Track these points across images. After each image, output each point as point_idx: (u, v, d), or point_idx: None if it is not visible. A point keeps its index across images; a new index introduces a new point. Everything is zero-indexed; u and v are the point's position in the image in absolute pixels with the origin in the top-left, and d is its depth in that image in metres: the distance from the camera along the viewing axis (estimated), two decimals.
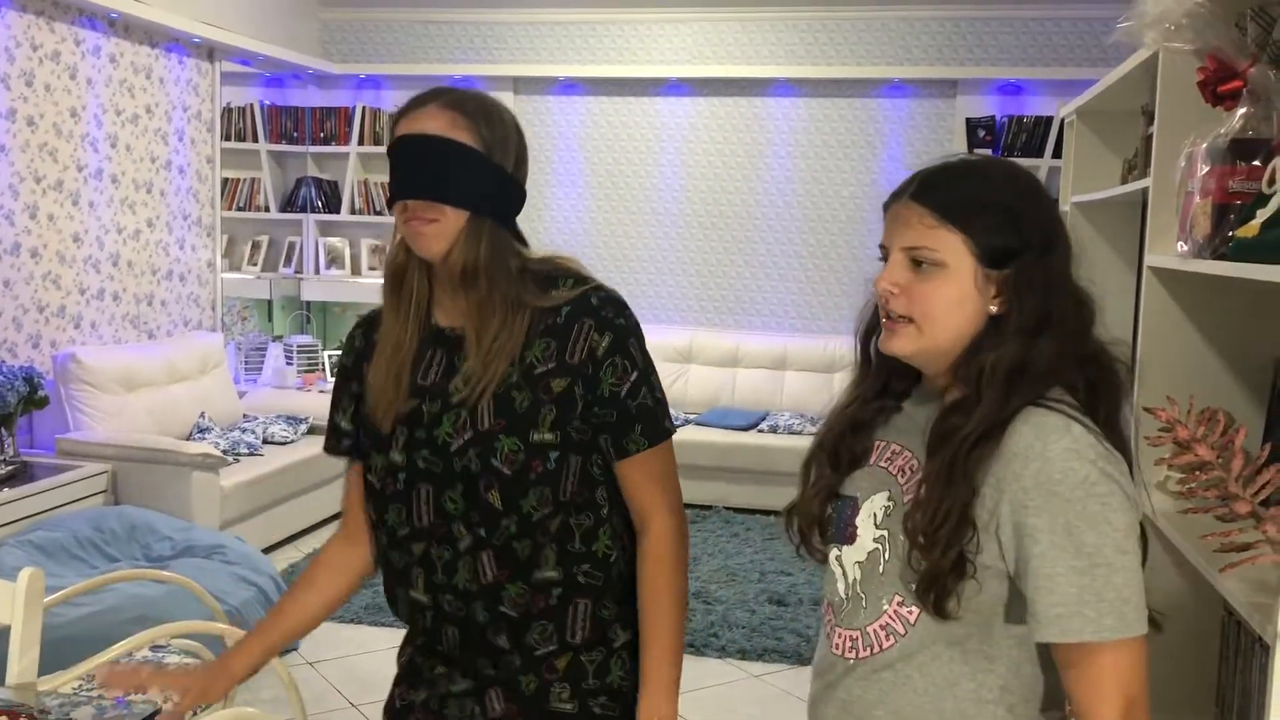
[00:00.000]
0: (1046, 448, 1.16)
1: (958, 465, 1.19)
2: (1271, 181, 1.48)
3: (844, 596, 1.33)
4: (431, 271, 1.53)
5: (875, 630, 1.28)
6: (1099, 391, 1.23)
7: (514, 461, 1.47)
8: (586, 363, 1.48)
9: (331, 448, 1.68)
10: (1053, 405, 1.19)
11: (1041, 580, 1.15)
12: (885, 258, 1.29)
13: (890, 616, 1.27)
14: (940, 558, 1.19)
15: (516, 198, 1.54)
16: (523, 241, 1.57)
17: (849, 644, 1.31)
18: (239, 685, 1.76)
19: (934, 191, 1.25)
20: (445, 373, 1.53)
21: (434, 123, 1.48)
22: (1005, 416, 1.19)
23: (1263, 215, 1.47)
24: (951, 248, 1.23)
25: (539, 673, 1.54)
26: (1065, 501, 1.14)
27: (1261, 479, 1.28)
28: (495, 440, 1.47)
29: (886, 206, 1.32)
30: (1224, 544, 1.31)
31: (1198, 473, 1.30)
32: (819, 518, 1.37)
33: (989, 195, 1.24)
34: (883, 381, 1.37)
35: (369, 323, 1.65)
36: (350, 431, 1.64)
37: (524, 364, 1.48)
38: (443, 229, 1.46)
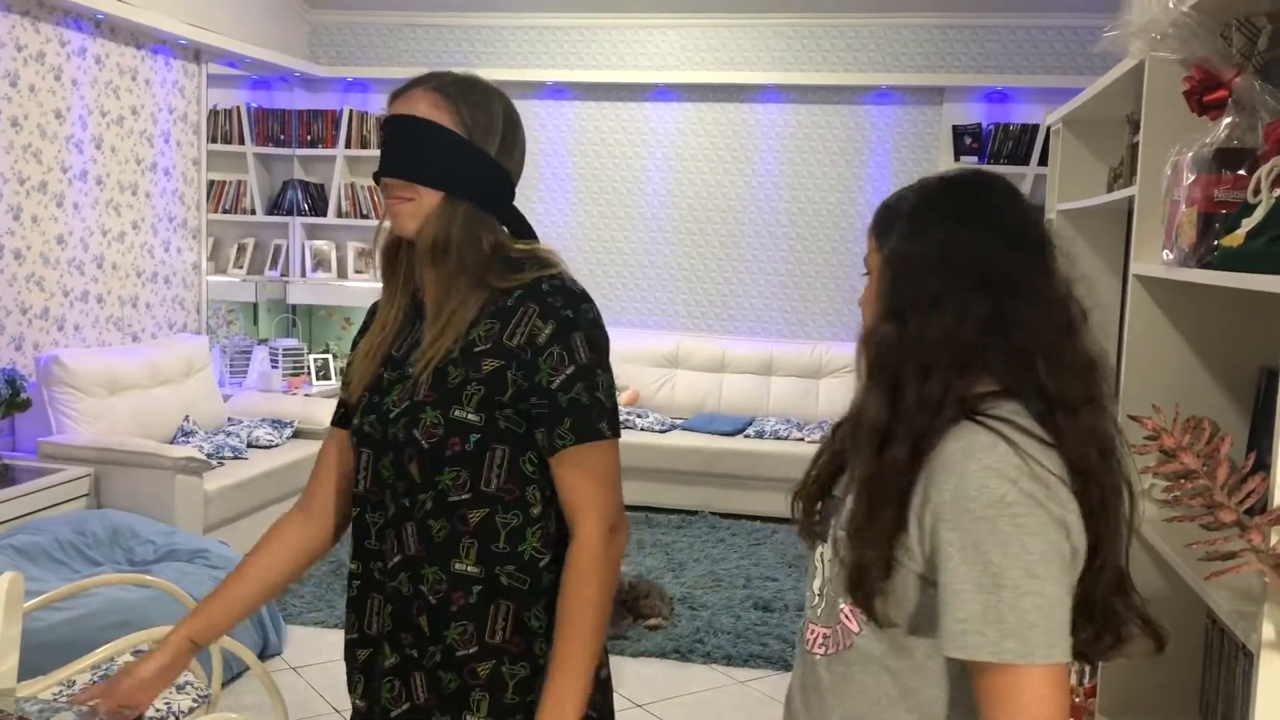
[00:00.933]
0: (967, 464, 1.14)
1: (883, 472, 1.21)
2: (1256, 191, 1.48)
3: (816, 593, 1.35)
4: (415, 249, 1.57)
5: (840, 630, 1.29)
6: (1054, 407, 1.19)
7: (433, 435, 1.48)
8: (525, 348, 1.47)
9: (335, 420, 1.71)
10: (987, 422, 1.16)
11: (949, 595, 1.14)
12: None
13: (845, 616, 1.27)
14: (862, 553, 1.20)
15: (500, 181, 1.54)
16: (525, 230, 1.58)
17: (820, 640, 1.32)
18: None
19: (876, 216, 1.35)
20: (414, 344, 1.56)
21: (417, 104, 1.51)
22: (932, 426, 1.18)
23: (1248, 224, 1.47)
24: (874, 256, 1.30)
25: (460, 674, 1.51)
26: (976, 519, 1.12)
27: (1246, 488, 1.28)
28: (422, 411, 1.49)
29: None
30: (1209, 552, 1.31)
31: (1183, 481, 1.31)
32: (809, 511, 1.37)
33: (899, 206, 1.31)
34: None
35: (380, 302, 1.70)
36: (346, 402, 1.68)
37: (467, 340, 1.50)
38: (417, 208, 1.49)
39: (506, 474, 1.49)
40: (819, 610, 1.34)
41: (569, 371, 1.47)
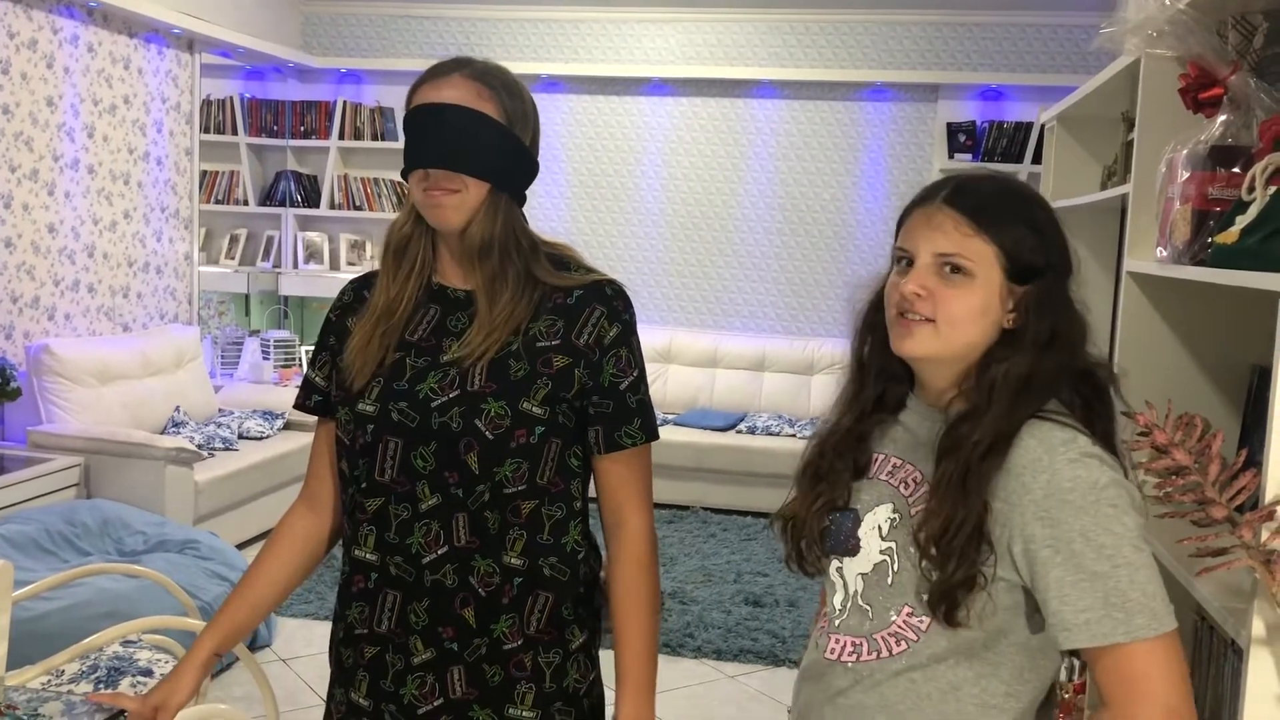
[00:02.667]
0: (1054, 458, 1.18)
1: (971, 474, 1.20)
2: (1251, 188, 1.48)
3: (841, 607, 1.34)
4: (436, 238, 1.54)
5: (884, 638, 1.28)
6: (1093, 406, 1.26)
7: (499, 426, 1.46)
8: (593, 348, 1.49)
9: (301, 402, 1.64)
10: (1055, 418, 1.22)
11: (1066, 589, 1.16)
12: (905, 259, 1.30)
13: (900, 625, 1.27)
14: (954, 570, 1.20)
15: (531, 173, 1.55)
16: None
17: (849, 649, 1.31)
18: (210, 680, 1.72)
19: (970, 200, 1.27)
20: (436, 330, 1.52)
21: (458, 92, 1.46)
22: (1012, 428, 1.21)
23: (1242, 222, 1.47)
24: (984, 258, 1.25)
25: (505, 667, 1.51)
26: (1077, 509, 1.16)
27: (1237, 484, 1.28)
28: (483, 402, 1.46)
29: (911, 209, 1.32)
30: (1200, 548, 1.31)
31: (1175, 477, 1.31)
32: (819, 530, 1.35)
33: (1022, 212, 1.27)
34: (880, 391, 1.37)
35: (365, 281, 1.63)
36: (323, 388, 1.61)
37: (527, 336, 1.49)
38: (464, 200, 1.46)
39: (556, 468, 1.51)
40: (842, 621, 1.33)
41: (635, 374, 1.52)
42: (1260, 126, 1.56)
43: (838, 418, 1.39)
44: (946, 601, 1.21)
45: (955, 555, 1.19)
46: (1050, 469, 1.18)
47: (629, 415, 1.51)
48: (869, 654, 1.29)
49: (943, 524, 1.20)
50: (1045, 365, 1.23)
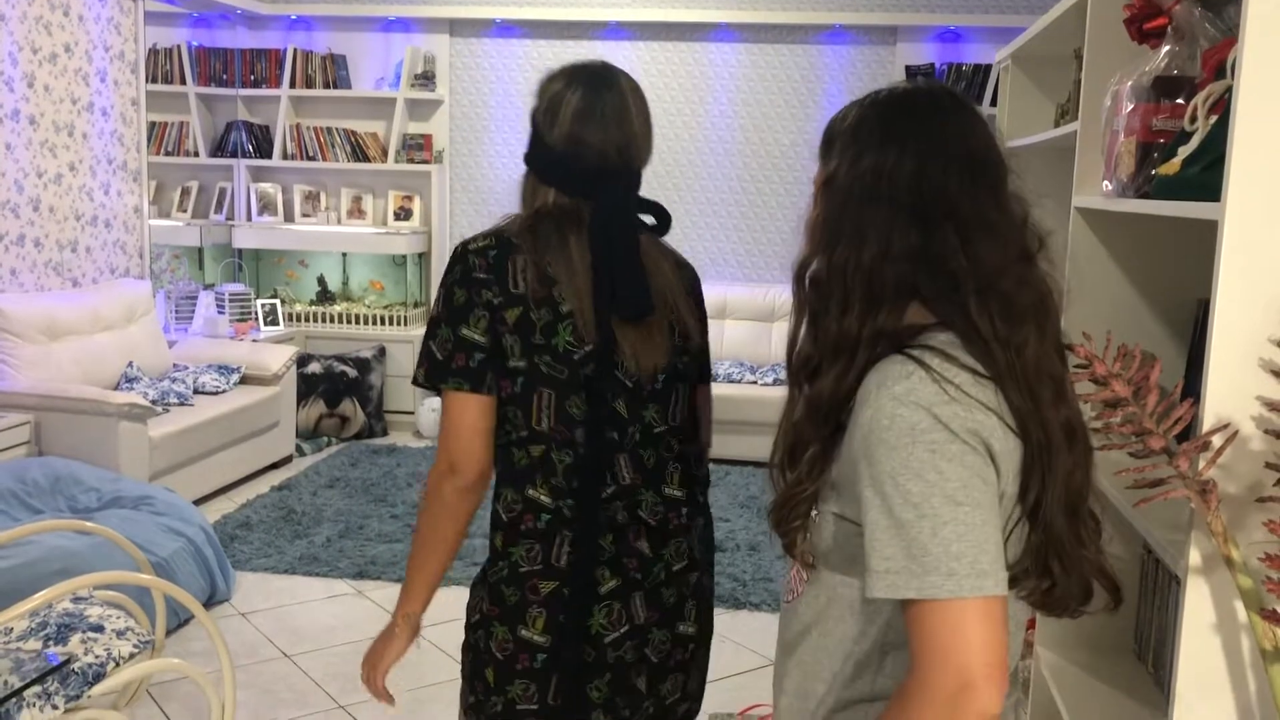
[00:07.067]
0: (880, 394, 1.09)
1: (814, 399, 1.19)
2: (1194, 118, 1.47)
3: None
4: None
5: (794, 575, 1.29)
6: (994, 341, 1.12)
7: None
8: None
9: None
10: (909, 352, 1.11)
11: (877, 533, 1.07)
12: None
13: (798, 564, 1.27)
14: (785, 490, 1.19)
15: (539, 155, 1.67)
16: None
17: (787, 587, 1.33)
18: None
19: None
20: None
21: None
22: (860, 362, 1.14)
23: (1184, 152, 1.46)
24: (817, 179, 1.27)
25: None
26: (890, 449, 1.06)
27: (1174, 414, 1.28)
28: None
29: None
30: (1137, 479, 1.31)
31: (1113, 409, 1.30)
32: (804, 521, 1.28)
33: (839, 125, 1.26)
34: None
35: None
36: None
37: None
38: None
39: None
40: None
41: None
42: (1203, 55, 1.55)
43: None
44: (782, 525, 1.20)
45: (791, 477, 1.19)
46: (875, 405, 1.08)
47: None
48: (788, 594, 1.30)
49: (780, 448, 1.21)
50: (835, 263, 1.18)
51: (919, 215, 1.14)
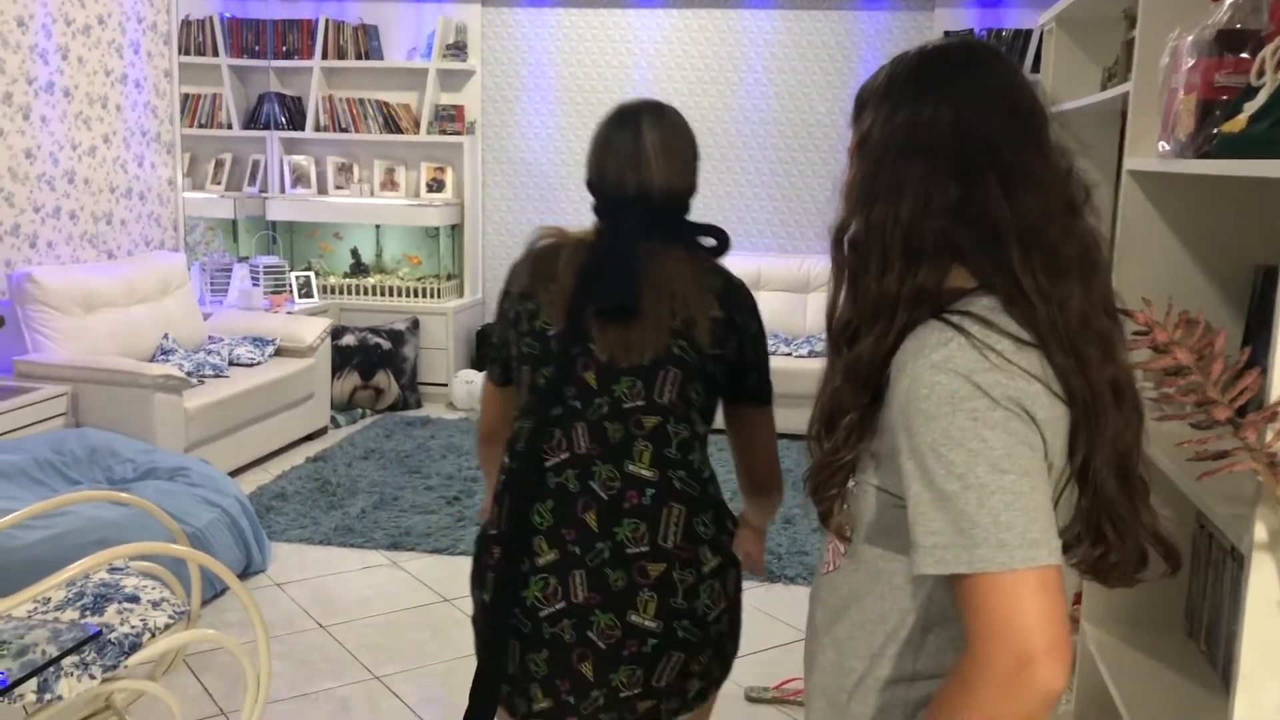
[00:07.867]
0: (918, 362, 1.04)
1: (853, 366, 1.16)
2: (1260, 73, 1.40)
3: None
4: None
5: (830, 547, 1.26)
6: (1037, 299, 1.07)
7: None
8: None
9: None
10: (948, 317, 1.06)
11: (922, 506, 1.02)
12: None
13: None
14: (822, 457, 1.16)
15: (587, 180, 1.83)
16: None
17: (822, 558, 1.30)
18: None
19: None
20: None
21: None
22: (898, 326, 1.10)
23: (1250, 109, 1.39)
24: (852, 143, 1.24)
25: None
26: (929, 419, 1.01)
27: (1240, 384, 1.22)
28: None
29: None
30: (1199, 451, 1.25)
31: (1174, 377, 1.24)
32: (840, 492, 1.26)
33: (872, 86, 1.21)
34: None
35: None
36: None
37: None
38: None
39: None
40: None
41: None
42: (1271, 6, 1.47)
43: None
44: (819, 493, 1.17)
45: (828, 445, 1.16)
46: (912, 374, 1.04)
47: None
48: (823, 567, 1.28)
49: (817, 417, 1.17)
50: (874, 222, 1.14)
51: (958, 167, 1.09)
